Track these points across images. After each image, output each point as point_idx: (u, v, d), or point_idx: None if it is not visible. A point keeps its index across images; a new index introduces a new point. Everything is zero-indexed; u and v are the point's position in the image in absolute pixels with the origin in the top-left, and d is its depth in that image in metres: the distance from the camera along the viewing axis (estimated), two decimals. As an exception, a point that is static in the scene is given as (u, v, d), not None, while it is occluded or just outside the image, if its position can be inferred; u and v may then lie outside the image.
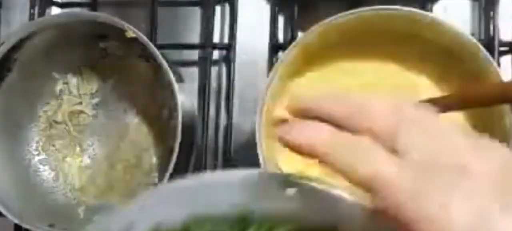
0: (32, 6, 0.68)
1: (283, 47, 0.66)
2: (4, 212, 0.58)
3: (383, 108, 0.36)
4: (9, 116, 0.64)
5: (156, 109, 0.65)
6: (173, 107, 0.58)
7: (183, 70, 0.65)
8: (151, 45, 0.58)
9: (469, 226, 0.32)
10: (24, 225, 0.59)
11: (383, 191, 0.33)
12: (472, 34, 0.63)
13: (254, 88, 0.67)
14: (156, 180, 0.64)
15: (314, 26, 0.57)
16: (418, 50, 0.61)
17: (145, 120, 0.65)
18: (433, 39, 0.60)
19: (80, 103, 0.66)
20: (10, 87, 0.63)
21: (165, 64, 0.57)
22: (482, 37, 0.65)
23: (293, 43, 0.58)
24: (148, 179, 0.64)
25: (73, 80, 0.66)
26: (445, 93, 0.60)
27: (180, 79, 0.60)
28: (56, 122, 0.66)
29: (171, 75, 0.57)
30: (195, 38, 0.69)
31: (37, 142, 0.66)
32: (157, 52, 0.58)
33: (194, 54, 0.68)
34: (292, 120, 0.38)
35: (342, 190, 0.37)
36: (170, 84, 0.58)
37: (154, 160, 0.65)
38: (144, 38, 0.58)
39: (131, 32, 0.58)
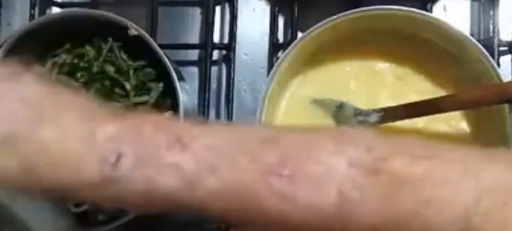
0: (32, 6, 0.68)
1: (283, 47, 0.66)
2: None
3: None
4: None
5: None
6: (175, 106, 0.58)
7: (183, 70, 0.65)
8: (154, 43, 0.58)
9: None
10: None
11: None
12: (472, 34, 0.63)
13: (254, 88, 0.67)
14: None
15: (314, 26, 0.57)
16: (418, 51, 0.61)
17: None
18: (433, 39, 0.60)
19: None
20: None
21: (167, 62, 0.57)
22: (482, 37, 0.65)
23: (293, 43, 0.58)
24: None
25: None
26: (445, 94, 0.60)
27: (181, 79, 0.60)
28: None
29: (173, 73, 0.57)
30: (195, 38, 0.69)
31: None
32: (159, 50, 0.58)
33: (194, 54, 0.68)
34: None
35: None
36: (172, 83, 0.58)
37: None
38: (147, 36, 0.58)
39: (133, 30, 0.58)
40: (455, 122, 0.61)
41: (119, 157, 0.35)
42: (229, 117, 0.65)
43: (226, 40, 0.68)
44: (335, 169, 0.34)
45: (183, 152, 0.35)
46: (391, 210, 0.34)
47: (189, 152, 0.35)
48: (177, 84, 0.58)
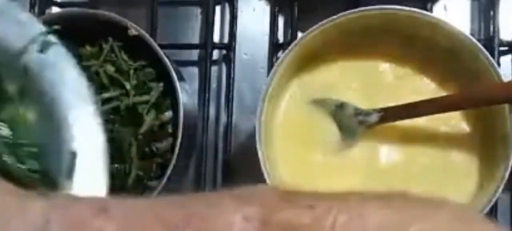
0: (32, 6, 0.68)
1: (283, 47, 0.66)
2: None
3: None
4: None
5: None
6: (175, 106, 0.58)
7: (183, 70, 0.65)
8: (154, 43, 0.58)
9: None
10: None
11: None
12: (472, 34, 0.63)
13: (254, 89, 0.67)
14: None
15: (314, 26, 0.57)
16: (418, 50, 0.61)
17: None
18: (433, 39, 0.60)
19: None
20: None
21: (167, 62, 0.57)
22: (482, 37, 0.65)
23: (293, 43, 0.58)
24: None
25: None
26: (445, 93, 0.60)
27: (181, 79, 0.60)
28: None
29: (173, 73, 0.57)
30: (195, 38, 0.69)
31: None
32: (159, 50, 0.58)
33: (194, 54, 0.68)
34: None
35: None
36: (171, 83, 0.58)
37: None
38: (147, 36, 0.58)
39: (133, 30, 0.58)
40: (455, 122, 0.61)
41: (47, 223, 0.38)
42: (229, 116, 0.65)
43: (226, 40, 0.68)
44: (233, 224, 0.37)
45: (106, 219, 0.38)
46: None
47: (111, 218, 0.38)
48: (177, 84, 0.58)
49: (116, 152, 0.59)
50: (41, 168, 0.46)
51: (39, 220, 0.38)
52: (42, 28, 0.47)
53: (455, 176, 0.60)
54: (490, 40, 0.64)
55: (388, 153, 0.61)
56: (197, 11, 0.69)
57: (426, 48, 0.61)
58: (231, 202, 0.38)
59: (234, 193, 0.39)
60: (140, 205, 0.40)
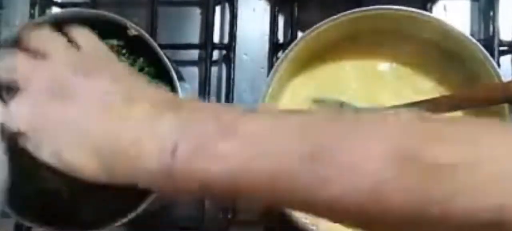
0: (32, 6, 0.68)
1: (283, 47, 0.66)
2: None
3: None
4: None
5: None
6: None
7: (183, 70, 0.65)
8: (154, 43, 0.58)
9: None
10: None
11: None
12: (472, 34, 0.63)
13: (254, 88, 0.67)
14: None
15: (314, 26, 0.57)
16: (418, 50, 0.61)
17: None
18: (433, 39, 0.60)
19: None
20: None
21: (167, 62, 0.57)
22: (482, 37, 0.65)
23: (293, 43, 0.58)
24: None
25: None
26: (445, 93, 0.60)
27: (181, 79, 0.60)
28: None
29: (173, 73, 0.57)
30: (195, 38, 0.69)
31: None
32: (159, 50, 0.58)
33: (194, 54, 0.68)
34: None
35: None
36: (171, 82, 0.58)
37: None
38: (146, 36, 0.58)
39: (133, 30, 0.58)
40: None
41: (175, 148, 0.38)
42: (229, 116, 0.65)
43: (226, 40, 0.68)
44: (371, 157, 0.35)
45: (230, 141, 0.37)
46: (425, 199, 0.34)
47: (236, 140, 0.37)
48: (177, 84, 0.58)
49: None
50: None
51: (169, 145, 0.38)
52: None
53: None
54: (490, 40, 0.64)
55: (388, 153, 0.61)
56: (197, 11, 0.69)
57: (426, 48, 0.61)
58: (369, 127, 0.37)
59: (374, 118, 0.38)
60: (269, 128, 0.38)
